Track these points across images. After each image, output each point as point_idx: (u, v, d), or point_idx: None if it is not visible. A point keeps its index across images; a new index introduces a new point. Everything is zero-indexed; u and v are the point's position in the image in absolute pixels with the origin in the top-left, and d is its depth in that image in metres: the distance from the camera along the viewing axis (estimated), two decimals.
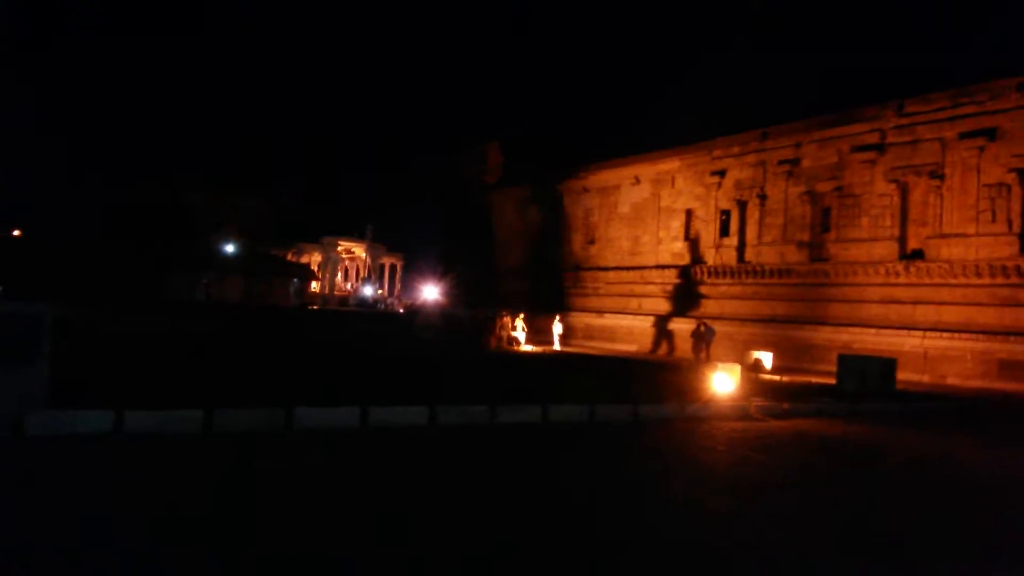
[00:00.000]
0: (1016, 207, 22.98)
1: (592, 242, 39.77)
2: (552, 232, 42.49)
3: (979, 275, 23.40)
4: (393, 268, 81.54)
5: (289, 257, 69.78)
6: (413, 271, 74.58)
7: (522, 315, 32.70)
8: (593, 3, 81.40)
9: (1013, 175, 23.04)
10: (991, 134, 23.51)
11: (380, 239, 78.20)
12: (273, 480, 7.12)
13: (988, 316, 23.03)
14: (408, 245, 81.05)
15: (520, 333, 31.84)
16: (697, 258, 33.33)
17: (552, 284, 41.43)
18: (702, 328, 28.48)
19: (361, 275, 79.73)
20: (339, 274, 78.76)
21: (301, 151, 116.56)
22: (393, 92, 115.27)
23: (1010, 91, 23.05)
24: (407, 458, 8.65)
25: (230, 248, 55.60)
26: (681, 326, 32.45)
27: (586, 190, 40.12)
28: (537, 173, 44.04)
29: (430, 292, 52.36)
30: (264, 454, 8.24)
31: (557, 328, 33.13)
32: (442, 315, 37.75)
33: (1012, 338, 22.02)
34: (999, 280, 22.94)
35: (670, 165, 35.16)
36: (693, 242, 33.80)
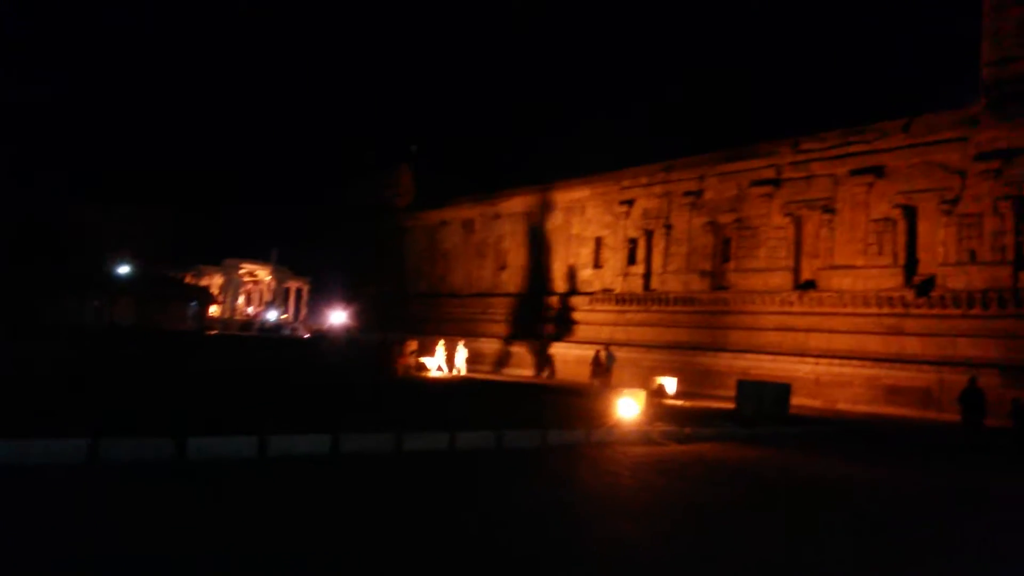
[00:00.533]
0: (901, 241, 24.43)
1: (504, 268, 39.92)
2: (464, 257, 42.44)
3: (867, 305, 24.68)
4: (299, 292, 79.57)
5: (188, 279, 67.10)
6: (320, 295, 72.99)
7: (434, 341, 32.33)
8: (505, 37, 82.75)
9: (899, 211, 24.51)
10: (879, 171, 24.99)
11: (286, 262, 76.27)
12: (150, 515, 6.66)
13: (875, 344, 24.28)
14: (315, 269, 79.28)
15: (432, 359, 31.47)
16: (605, 285, 33.90)
17: (463, 309, 41.28)
18: (603, 354, 28.90)
19: (265, 299, 77.38)
20: (241, 298, 76.24)
21: (205, 169, 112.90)
22: (303, 112, 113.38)
23: (896, 131, 24.60)
24: (305, 489, 8.28)
25: (125, 269, 52.98)
26: (590, 352, 32.78)
27: (498, 216, 40.32)
28: (450, 197, 44.01)
29: (338, 317, 51.24)
30: (153, 484, 7.73)
31: (463, 353, 32.92)
32: (349, 340, 36.97)
33: (897, 365, 23.26)
34: (885, 310, 24.26)
35: (581, 193, 35.78)
36: (602, 269, 34.39)
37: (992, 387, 21.11)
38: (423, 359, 31.35)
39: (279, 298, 76.10)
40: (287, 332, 64.19)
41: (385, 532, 6.60)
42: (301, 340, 50.56)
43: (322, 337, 45.57)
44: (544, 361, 30.45)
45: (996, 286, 21.86)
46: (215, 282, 71.72)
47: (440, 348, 31.80)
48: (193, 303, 58.89)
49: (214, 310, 67.14)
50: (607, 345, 30.29)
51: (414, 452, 10.77)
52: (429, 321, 42.10)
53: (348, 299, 51.25)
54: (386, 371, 28.79)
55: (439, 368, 31.31)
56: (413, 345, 30.87)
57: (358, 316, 49.25)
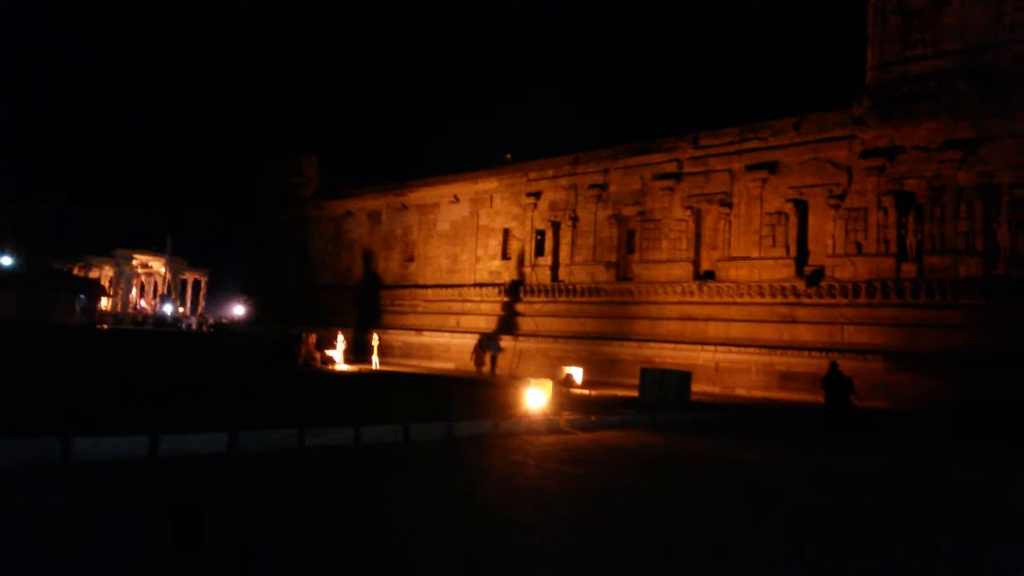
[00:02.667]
0: (793, 233, 25.59)
1: (411, 259, 39.56)
2: (371, 249, 41.80)
3: (762, 295, 25.76)
4: (196, 284, 76.52)
5: (76, 271, 63.44)
6: (219, 288, 70.51)
7: (340, 332, 31.75)
8: (410, 28, 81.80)
9: (791, 205, 25.66)
10: (772, 167, 26.07)
11: (182, 253, 73.13)
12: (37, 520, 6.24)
13: (769, 332, 25.39)
14: (215, 261, 76.34)
15: (338, 352, 30.88)
16: (514, 277, 34.11)
17: (370, 301, 40.71)
18: (485, 341, 29.53)
19: (160, 291, 74.05)
20: (134, 290, 72.68)
21: (96, 155, 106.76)
22: (203, 99, 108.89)
23: (788, 129, 25.72)
24: (201, 490, 7.95)
25: (5, 260, 49.58)
26: (500, 343, 32.99)
27: (405, 207, 39.90)
28: (356, 188, 43.23)
29: (238, 309, 49.59)
30: (34, 488, 7.24)
31: (374, 345, 32.50)
32: (250, 334, 35.82)
33: (790, 352, 24.39)
34: (779, 299, 25.38)
35: (489, 185, 35.82)
36: (510, 260, 34.58)
37: (876, 372, 22.50)
38: (329, 352, 30.72)
39: (175, 290, 72.94)
40: (184, 325, 61.61)
41: (284, 530, 6.41)
42: (199, 334, 48.64)
43: (221, 330, 43.94)
44: (478, 354, 30.40)
45: (880, 276, 23.21)
46: (106, 274, 68.09)
47: (340, 340, 31.27)
48: (82, 296, 55.74)
49: (105, 303, 63.72)
50: (494, 334, 30.93)
51: (317, 448, 10.51)
52: (335, 313, 41.29)
53: (249, 291, 49.61)
54: (289, 365, 28.07)
55: (343, 361, 30.78)
56: (312, 338, 30.21)
57: (260, 309, 47.77)
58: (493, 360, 29.16)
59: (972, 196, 21.73)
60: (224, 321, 53.09)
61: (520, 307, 33.30)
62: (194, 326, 58.81)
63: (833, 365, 18.27)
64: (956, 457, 13.84)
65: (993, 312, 20.94)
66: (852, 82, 24.74)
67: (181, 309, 71.83)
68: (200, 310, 73.16)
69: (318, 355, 30.13)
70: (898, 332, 22.62)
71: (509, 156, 37.07)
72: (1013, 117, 21.02)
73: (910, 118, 22.88)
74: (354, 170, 47.03)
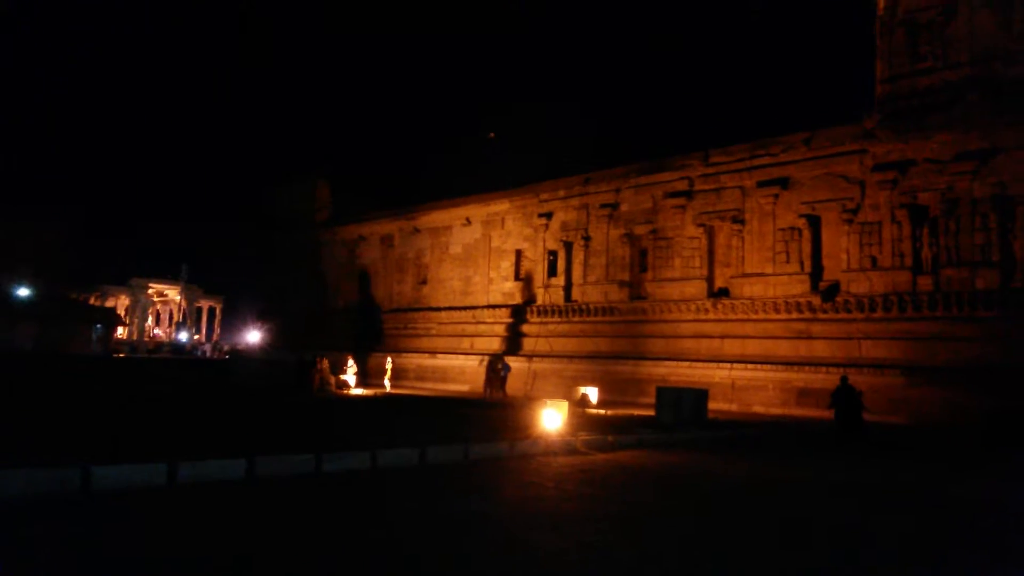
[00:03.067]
0: (807, 249, 25.49)
1: (424, 282, 39.67)
2: (384, 272, 41.98)
3: (777, 311, 25.62)
4: (212, 311, 77.01)
5: (92, 301, 64.00)
6: (234, 314, 70.77)
7: (349, 357, 31.78)
8: (420, 53, 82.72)
9: (803, 220, 25.58)
10: (784, 183, 26.03)
11: (197, 280, 73.66)
12: None
13: (785, 348, 25.21)
14: (228, 287, 76.80)
15: (351, 376, 30.91)
16: (527, 297, 34.12)
17: (384, 325, 40.81)
18: (499, 364, 29.40)
19: (175, 319, 74.52)
20: (150, 318, 73.22)
21: (109, 185, 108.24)
22: (215, 124, 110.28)
23: (799, 144, 25.70)
24: (220, 516, 7.95)
25: (23, 291, 50.08)
26: (513, 365, 32.98)
27: (418, 230, 40.08)
28: (368, 212, 43.50)
29: (253, 336, 49.78)
30: (53, 516, 7.27)
31: (388, 369, 32.54)
32: (265, 360, 35.96)
33: (807, 368, 24.20)
34: (794, 315, 25.23)
35: (500, 207, 35.95)
36: (523, 282, 34.61)
37: (895, 386, 22.28)
38: (343, 376, 30.76)
39: (190, 318, 73.39)
40: (200, 352, 61.93)
41: (305, 554, 6.39)
42: (215, 360, 48.88)
43: (236, 356, 44.08)
44: (490, 376, 30.27)
45: (896, 290, 23.04)
46: (121, 303, 68.66)
47: (351, 364, 31.26)
48: (98, 325, 56.16)
49: (121, 332, 64.19)
50: (501, 355, 30.93)
51: (334, 473, 10.51)
52: (349, 338, 41.40)
53: (264, 317, 49.84)
54: (304, 390, 28.12)
55: (355, 384, 30.80)
56: (326, 363, 30.29)
57: (274, 334, 47.96)
58: (503, 382, 29.11)
59: (986, 208, 21.59)
60: (239, 347, 53.29)
61: (534, 328, 33.26)
62: (209, 353, 59.10)
63: (843, 379, 18.20)
64: (979, 470, 13.63)
65: (1011, 324, 20.72)
66: (862, 96, 24.78)
67: (196, 336, 72.25)
68: (215, 337, 73.54)
69: (333, 380, 30.18)
70: (915, 346, 22.40)
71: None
72: None
73: (921, 131, 22.82)
74: (366, 192, 47.33)
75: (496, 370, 29.21)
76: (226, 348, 60.14)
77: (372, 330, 41.24)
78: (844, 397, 17.67)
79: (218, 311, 76.73)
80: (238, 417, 17.86)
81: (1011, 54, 21.66)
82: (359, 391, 29.88)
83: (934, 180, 22.67)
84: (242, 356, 43.71)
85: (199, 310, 75.68)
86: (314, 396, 26.51)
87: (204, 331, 75.43)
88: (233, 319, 69.75)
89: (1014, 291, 20.90)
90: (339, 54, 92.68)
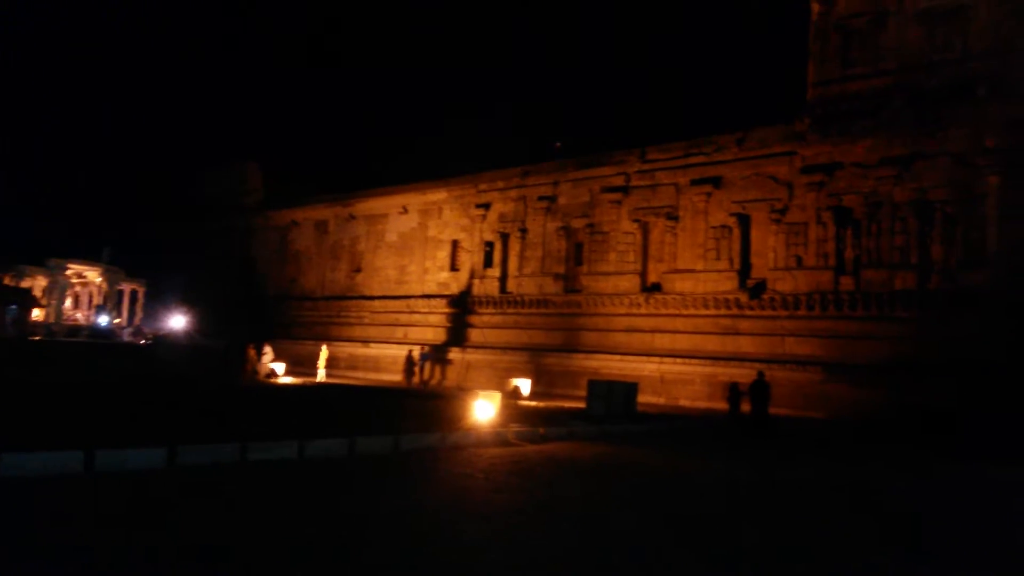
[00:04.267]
0: (736, 247, 26.09)
1: (359, 270, 39.11)
2: (318, 259, 41.20)
3: (706, 307, 26.18)
4: (134, 295, 74.23)
5: (7, 281, 60.91)
6: (158, 299, 68.36)
7: (267, 345, 30.93)
8: (357, 39, 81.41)
9: (734, 219, 26.17)
10: (717, 182, 26.57)
11: (120, 263, 70.84)
12: None
13: (713, 344, 25.79)
14: (153, 271, 74.00)
15: (276, 364, 30.25)
16: (462, 288, 33.99)
17: (316, 312, 40.10)
18: (415, 354, 29.83)
19: (95, 302, 71.59)
20: (68, 300, 70.16)
21: (26, 162, 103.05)
22: (144, 105, 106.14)
23: (732, 145, 26.25)
24: (143, 504, 7.65)
25: None
26: (448, 355, 32.88)
27: (353, 217, 39.47)
28: (302, 197, 42.60)
29: (178, 321, 48.18)
30: None
31: (321, 358, 31.96)
32: (190, 346, 34.89)
33: (733, 363, 24.79)
34: (722, 311, 25.82)
35: (438, 196, 35.68)
36: (459, 272, 34.46)
37: (815, 382, 23.04)
38: (272, 364, 30.11)
39: (111, 301, 70.63)
40: (122, 337, 59.66)
41: (226, 546, 6.20)
42: (137, 346, 47.15)
43: (162, 342, 42.65)
44: (408, 366, 30.41)
45: (819, 289, 23.81)
46: (39, 284, 65.55)
47: (267, 352, 30.51)
48: (13, 307, 53.49)
49: (37, 314, 61.29)
50: (421, 345, 31.23)
51: (261, 462, 10.26)
52: (279, 325, 40.55)
53: (190, 302, 48.31)
54: (231, 378, 27.42)
55: (283, 372, 30.17)
56: (253, 351, 29.61)
57: (201, 320, 46.58)
58: (422, 370, 29.68)
59: (907, 212, 22.48)
60: (164, 333, 51.54)
61: (468, 319, 33.19)
62: (130, 337, 57.00)
63: (760, 375, 18.98)
64: (873, 463, 14.22)
65: (926, 324, 21.66)
66: (794, 99, 25.46)
67: (117, 320, 69.58)
68: (137, 321, 70.98)
69: (261, 368, 29.51)
70: (836, 343, 23.21)
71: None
72: (946, 136, 21.85)
73: (848, 135, 23.60)
74: (300, 178, 46.31)
75: (413, 360, 29.53)
76: (148, 333, 58.08)
77: (304, 318, 40.48)
78: (754, 392, 18.47)
79: (140, 295, 74.04)
80: (160, 405, 17.26)
81: (934, 65, 22.57)
82: (288, 380, 29.30)
83: (859, 184, 23.47)
84: (167, 342, 42.36)
85: (120, 293, 72.87)
86: (240, 384, 25.86)
87: (126, 315, 72.71)
88: (157, 304, 67.38)
89: (930, 292, 21.84)
90: (274, 39, 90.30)
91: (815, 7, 25.04)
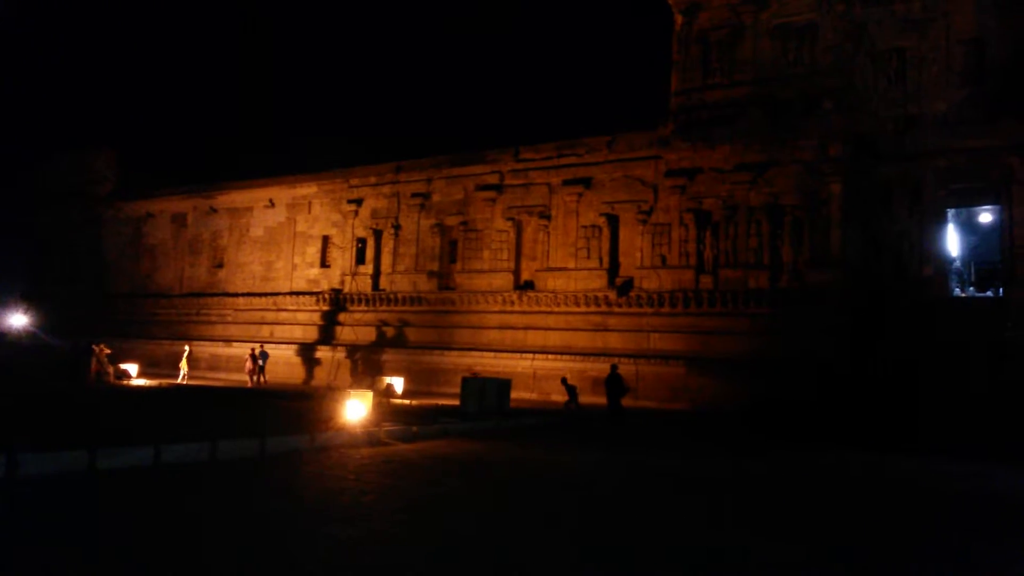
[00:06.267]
0: (606, 246, 26.90)
1: (221, 266, 37.32)
2: (175, 254, 38.96)
3: (577, 304, 26.84)
4: None
5: None
6: None
7: (103, 345, 28.94)
8: (227, 21, 77.83)
9: (604, 219, 26.97)
10: (588, 183, 27.28)
11: None
12: None
13: (584, 340, 26.48)
14: None
15: (131, 365, 28.40)
16: (334, 285, 33.16)
17: (176, 311, 37.93)
18: (256, 352, 29.71)
19: None
20: None
21: None
22: None
23: (602, 147, 27.02)
24: None
25: None
26: (317, 354, 31.98)
27: (215, 210, 37.61)
28: (159, 188, 40.15)
29: (16, 319, 44.18)
30: None
31: (183, 359, 30.24)
32: (32, 346, 32.16)
33: (602, 358, 25.51)
34: (592, 309, 26.55)
35: (307, 190, 34.63)
36: (330, 269, 33.59)
37: (679, 376, 24.14)
38: (124, 365, 28.23)
39: None
40: None
41: (74, 560, 5.72)
42: None
43: None
44: (258, 363, 29.39)
45: (682, 287, 24.95)
46: None
47: (101, 350, 28.61)
48: None
49: None
50: (262, 344, 30.97)
51: (112, 470, 9.56)
52: (133, 323, 38.12)
53: (30, 299, 44.41)
54: (79, 380, 25.51)
55: (136, 373, 28.42)
56: (104, 350, 27.67)
57: (46, 318, 42.94)
58: (261, 370, 29.31)
59: (761, 215, 23.94)
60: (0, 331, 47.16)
61: (340, 316, 32.42)
62: None
63: (613, 368, 20.05)
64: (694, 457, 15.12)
65: (776, 320, 23.17)
66: (662, 106, 26.53)
67: None
68: None
69: (112, 369, 27.60)
70: (697, 339, 24.40)
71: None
72: (796, 144, 23.43)
73: (708, 142, 24.85)
74: (158, 168, 43.67)
75: (255, 358, 29.00)
76: None
77: (161, 316, 38.18)
78: (612, 384, 19.47)
79: None
80: None
81: (787, 78, 24.20)
82: (143, 382, 27.56)
83: (717, 188, 24.77)
84: (5, 340, 38.84)
85: None
86: (89, 386, 24.08)
87: None
88: None
89: (780, 290, 23.37)
90: (128, 22, 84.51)
91: (678, 18, 26.23)
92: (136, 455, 10.18)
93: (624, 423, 19.07)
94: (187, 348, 30.98)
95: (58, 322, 40.79)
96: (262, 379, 29.38)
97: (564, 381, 22.57)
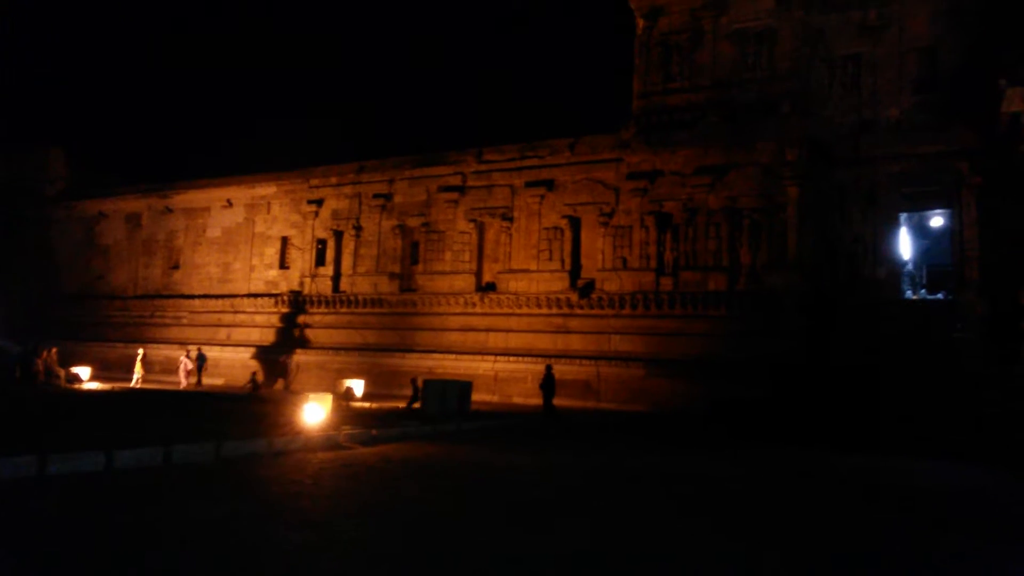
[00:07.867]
0: (568, 248, 26.99)
1: (176, 267, 36.59)
2: (129, 255, 38.08)
3: (539, 306, 26.87)
4: None
5: None
6: None
7: (55, 348, 28.23)
8: (186, 17, 76.38)
9: (566, 221, 27.05)
10: (550, 185, 27.34)
11: None
12: None
13: (546, 342, 26.52)
14: None
15: (82, 368, 27.68)
16: (293, 287, 32.72)
17: (129, 313, 37.06)
18: (192, 355, 29.77)
19: None
20: None
21: None
22: None
23: (564, 149, 27.11)
24: None
25: None
26: (276, 357, 31.51)
27: (170, 210, 36.86)
28: (112, 188, 39.22)
29: None
30: None
31: (137, 361, 29.57)
32: None
33: (563, 360, 25.60)
34: (554, 311, 26.61)
35: (266, 190, 34.13)
36: (289, 270, 33.14)
37: (638, 377, 24.30)
38: (76, 368, 27.51)
39: None
40: None
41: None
42: None
43: None
44: (244, 368, 29.02)
45: (642, 289, 25.13)
46: None
47: (50, 354, 27.93)
48: None
49: None
50: (199, 347, 30.92)
51: (62, 475, 9.27)
52: (84, 326, 37.16)
53: None
54: (26, 383, 24.78)
55: (89, 377, 27.72)
56: (53, 353, 26.96)
57: None
58: (198, 372, 29.41)
59: (720, 218, 24.23)
60: None
61: (299, 319, 32.00)
62: None
63: (548, 368, 20.38)
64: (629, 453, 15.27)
65: (734, 322, 23.47)
66: (624, 109, 26.73)
67: None
68: None
69: (62, 372, 26.87)
70: (656, 340, 24.60)
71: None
72: (754, 148, 23.77)
73: (668, 145, 25.09)
74: (110, 167, 42.66)
75: (192, 360, 29.52)
76: None
77: (114, 318, 37.27)
78: (547, 384, 19.82)
79: None
80: None
81: (745, 83, 24.55)
82: (94, 385, 26.86)
83: (678, 191, 25.01)
84: None
85: None
86: (38, 390, 23.39)
87: None
88: None
89: (738, 292, 23.68)
90: (78, 17, 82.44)
91: (640, 22, 26.45)
92: (87, 460, 9.88)
93: (559, 422, 19.41)
94: (141, 351, 30.31)
95: (8, 324, 39.54)
96: (199, 381, 29.66)
97: (544, 381, 21.57)
